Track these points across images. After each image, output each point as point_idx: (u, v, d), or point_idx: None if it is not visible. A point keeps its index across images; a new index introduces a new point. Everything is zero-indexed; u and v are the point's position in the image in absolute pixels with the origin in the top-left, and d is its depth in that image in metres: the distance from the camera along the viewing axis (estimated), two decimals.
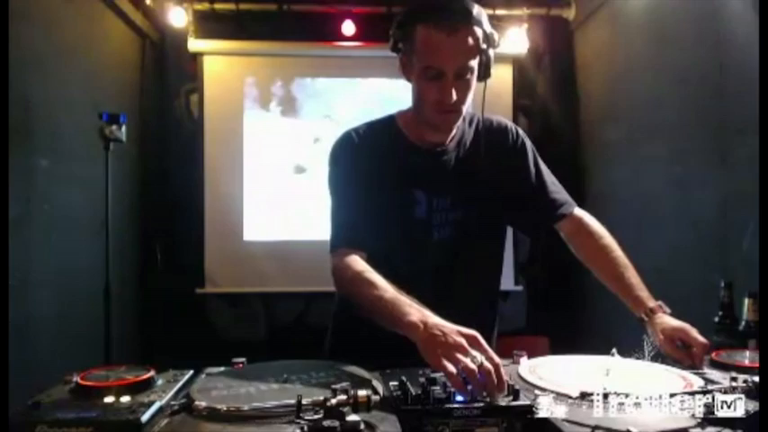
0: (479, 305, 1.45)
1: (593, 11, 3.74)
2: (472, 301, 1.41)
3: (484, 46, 1.27)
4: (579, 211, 1.49)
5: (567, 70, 4.12)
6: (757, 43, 1.80)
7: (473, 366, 0.91)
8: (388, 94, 3.87)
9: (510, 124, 1.49)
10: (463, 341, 0.96)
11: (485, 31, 1.27)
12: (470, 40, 1.24)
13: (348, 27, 3.94)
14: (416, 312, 1.06)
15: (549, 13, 4.04)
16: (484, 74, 1.31)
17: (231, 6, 3.92)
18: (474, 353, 0.94)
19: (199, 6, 3.89)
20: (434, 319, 1.04)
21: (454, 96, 1.25)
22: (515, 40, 3.93)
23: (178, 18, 3.81)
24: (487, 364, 0.92)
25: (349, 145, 1.40)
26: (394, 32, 1.34)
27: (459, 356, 0.93)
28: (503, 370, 0.93)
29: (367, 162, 1.37)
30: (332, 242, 1.34)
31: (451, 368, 0.91)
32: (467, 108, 1.32)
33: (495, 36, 1.29)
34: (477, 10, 1.25)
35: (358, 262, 1.27)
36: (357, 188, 1.36)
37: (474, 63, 1.26)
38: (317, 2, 4.00)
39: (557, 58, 4.18)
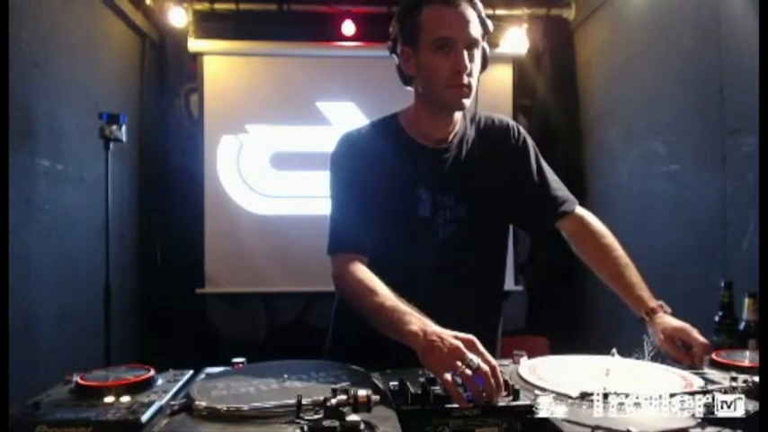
0: (483, 304, 1.45)
1: (593, 11, 3.74)
2: (476, 300, 1.41)
3: (482, 31, 1.31)
4: (581, 210, 1.50)
5: (567, 70, 4.12)
6: (757, 43, 1.79)
7: (469, 372, 0.92)
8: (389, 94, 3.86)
9: (511, 122, 1.50)
10: (460, 345, 0.97)
11: (482, 19, 1.31)
12: (473, 14, 1.30)
13: (348, 27, 3.94)
14: (416, 321, 1.06)
15: (549, 13, 4.04)
16: (482, 65, 1.33)
17: (231, 6, 3.91)
18: (471, 356, 0.94)
19: (199, 6, 3.89)
20: (434, 327, 1.04)
21: (467, 64, 1.27)
22: (515, 40, 3.93)
23: (178, 18, 3.81)
24: (484, 367, 0.92)
25: (349, 146, 1.41)
26: (394, 26, 1.35)
27: (457, 362, 0.94)
28: (500, 372, 0.93)
29: (368, 161, 1.37)
30: (331, 246, 1.35)
31: (447, 376, 0.91)
32: (475, 85, 1.32)
33: (489, 24, 1.33)
34: None
35: (359, 268, 1.27)
36: (357, 190, 1.36)
37: (480, 38, 1.30)
38: (317, 2, 4.00)
39: (557, 58, 4.18)
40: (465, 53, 1.27)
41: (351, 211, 1.36)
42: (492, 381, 0.91)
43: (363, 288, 1.21)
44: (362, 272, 1.26)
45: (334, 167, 1.41)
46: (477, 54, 1.30)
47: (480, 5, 1.32)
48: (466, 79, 1.28)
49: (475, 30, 1.29)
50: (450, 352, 0.96)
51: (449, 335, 1.00)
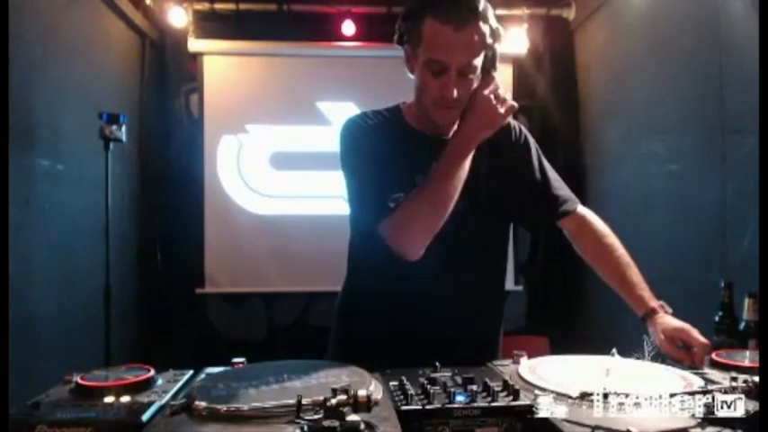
0: (484, 302, 1.44)
1: (593, 11, 3.74)
2: (476, 297, 1.40)
3: (490, 41, 1.28)
4: (583, 209, 1.50)
5: (567, 70, 4.12)
6: (757, 43, 1.79)
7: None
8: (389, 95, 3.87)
9: (513, 122, 1.49)
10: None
11: (491, 27, 1.27)
12: (477, 38, 1.24)
13: (348, 27, 3.94)
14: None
15: (549, 13, 4.04)
16: (490, 67, 1.31)
17: (231, 6, 3.91)
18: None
19: (199, 6, 3.89)
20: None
21: (455, 93, 1.25)
22: (515, 40, 3.93)
23: (178, 18, 3.81)
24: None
25: (357, 127, 1.39)
26: (400, 24, 1.34)
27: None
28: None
29: (373, 145, 1.35)
30: (377, 217, 1.25)
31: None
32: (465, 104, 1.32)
33: (501, 31, 1.30)
34: (483, 5, 1.26)
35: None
36: (376, 163, 1.31)
37: (478, 61, 1.27)
38: (317, 2, 4.00)
39: (557, 58, 4.18)
40: (458, 78, 1.25)
41: (382, 183, 1.28)
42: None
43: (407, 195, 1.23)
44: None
45: (350, 147, 1.36)
46: (474, 76, 1.28)
47: (490, 13, 1.27)
48: (454, 102, 1.27)
49: (472, 54, 1.25)
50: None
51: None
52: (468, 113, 1.26)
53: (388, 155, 1.34)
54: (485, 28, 1.25)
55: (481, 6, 1.25)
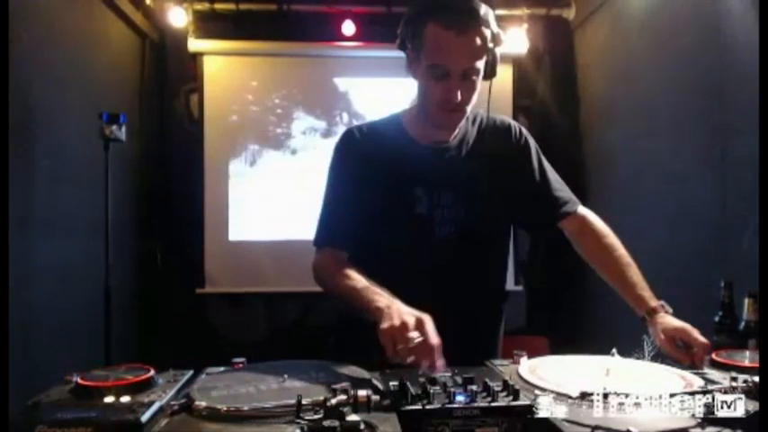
0: (484, 305, 1.45)
1: (593, 11, 3.74)
2: (476, 300, 1.41)
3: (491, 45, 1.28)
4: (583, 210, 1.50)
5: (567, 70, 4.12)
6: (757, 43, 1.79)
7: (409, 347, 1.01)
8: (389, 95, 3.87)
9: (513, 123, 1.49)
10: (409, 321, 1.03)
11: (492, 31, 1.28)
12: (478, 41, 1.25)
13: (348, 27, 3.94)
14: (384, 299, 1.13)
15: (549, 13, 4.04)
16: (490, 72, 1.31)
17: (231, 6, 3.91)
18: (414, 334, 1.01)
19: (199, 6, 3.89)
20: (398, 304, 1.10)
21: (459, 96, 1.26)
22: (515, 40, 3.92)
23: (178, 18, 3.81)
24: (422, 346, 1.01)
25: (348, 143, 1.42)
26: (402, 30, 1.34)
27: (401, 335, 1.02)
28: (438, 352, 1.02)
29: (367, 159, 1.38)
30: (317, 239, 1.40)
31: (390, 345, 1.02)
32: (471, 108, 1.33)
33: (502, 35, 1.30)
34: (485, 10, 1.26)
35: (338, 258, 1.34)
36: (349, 188, 1.38)
37: (480, 64, 1.27)
38: (317, 2, 4.00)
39: (557, 58, 4.18)
40: (461, 81, 1.26)
41: (338, 208, 1.39)
42: (427, 356, 1.00)
43: (340, 274, 1.28)
44: (341, 262, 1.33)
45: (333, 162, 1.43)
46: (477, 78, 1.29)
47: (491, 17, 1.27)
48: (457, 105, 1.28)
49: (475, 57, 1.26)
50: (399, 326, 1.02)
51: (406, 312, 1.06)
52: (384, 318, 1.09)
53: (383, 168, 1.36)
54: (486, 32, 1.26)
55: (482, 11, 1.25)
